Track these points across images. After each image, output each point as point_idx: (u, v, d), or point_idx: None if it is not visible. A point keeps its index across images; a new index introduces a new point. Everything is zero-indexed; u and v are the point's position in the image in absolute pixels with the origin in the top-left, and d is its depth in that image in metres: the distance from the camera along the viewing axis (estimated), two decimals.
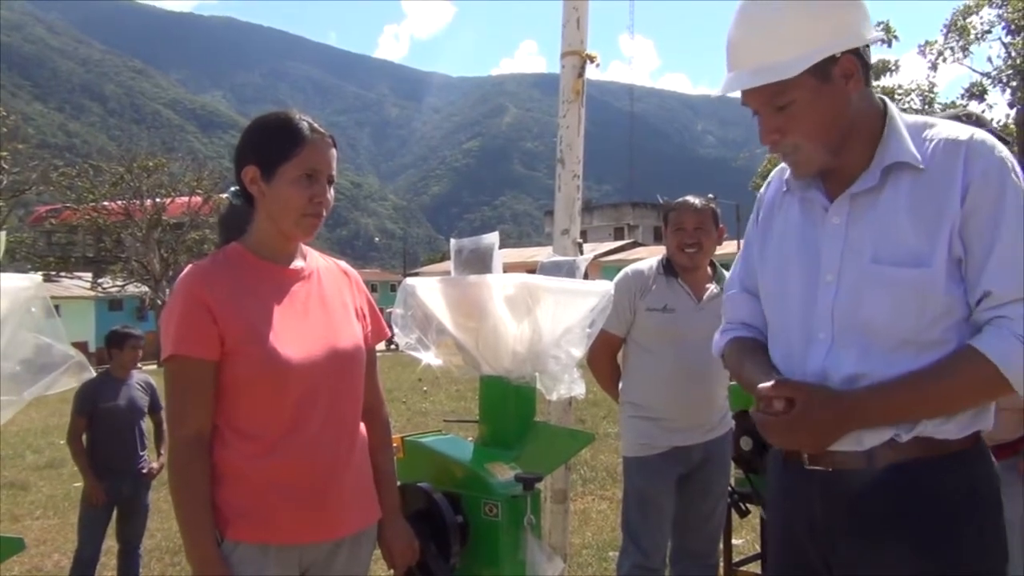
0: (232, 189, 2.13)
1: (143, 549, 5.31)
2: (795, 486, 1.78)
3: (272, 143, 2.00)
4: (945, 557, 1.62)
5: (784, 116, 1.65)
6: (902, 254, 1.62)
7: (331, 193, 2.06)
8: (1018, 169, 1.63)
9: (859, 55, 1.65)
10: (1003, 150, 1.63)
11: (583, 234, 4.29)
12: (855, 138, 1.69)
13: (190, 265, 2.06)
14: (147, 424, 5.32)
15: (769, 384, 1.69)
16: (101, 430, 5.06)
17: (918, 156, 1.64)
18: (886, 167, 1.66)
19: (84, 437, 5.08)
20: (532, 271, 2.93)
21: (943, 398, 1.61)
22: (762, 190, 1.97)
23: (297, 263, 2.11)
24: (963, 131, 1.65)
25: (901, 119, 1.70)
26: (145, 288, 39.52)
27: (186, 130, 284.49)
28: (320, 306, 2.10)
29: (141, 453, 5.19)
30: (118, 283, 40.38)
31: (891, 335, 1.63)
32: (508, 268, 2.83)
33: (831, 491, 1.70)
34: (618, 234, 61.67)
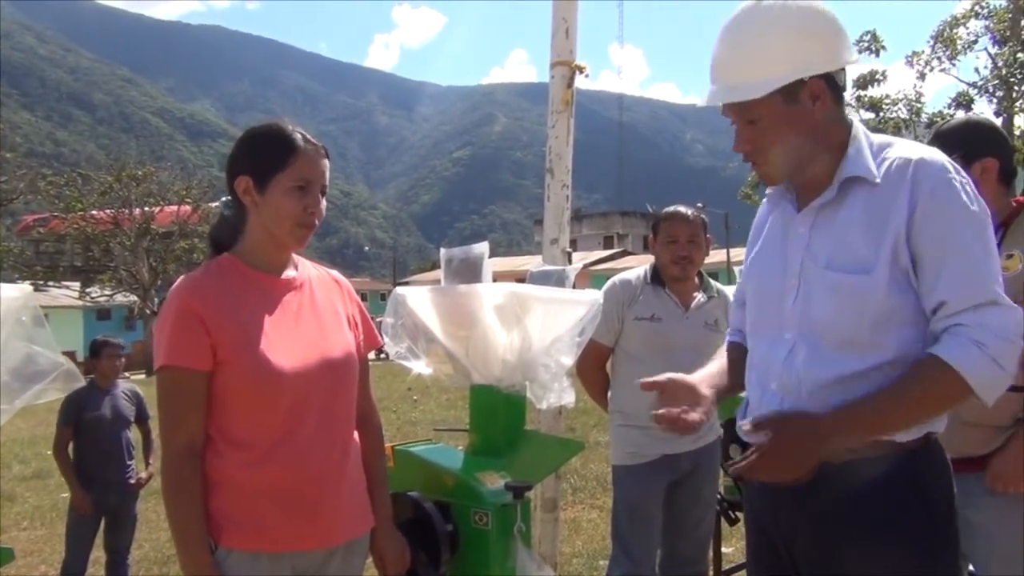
0: (223, 199, 2.13)
1: (131, 559, 5.29)
2: (762, 488, 1.87)
3: (266, 154, 2.02)
4: (897, 547, 1.70)
5: (754, 129, 1.79)
6: (850, 262, 1.73)
7: (324, 204, 2.07)
8: (970, 187, 1.72)
9: (830, 77, 1.77)
10: (953, 169, 1.72)
11: (572, 243, 4.31)
12: (822, 154, 1.81)
13: (182, 276, 2.06)
14: (135, 434, 5.30)
15: (747, 427, 1.80)
16: (86, 440, 5.04)
17: (874, 172, 1.75)
18: (844, 181, 1.77)
19: (71, 447, 5.06)
20: (521, 280, 2.94)
21: (911, 411, 1.69)
22: (761, 207, 2.10)
23: (289, 273, 2.12)
24: (916, 151, 1.76)
25: (866, 138, 1.82)
26: (134, 297, 39.37)
27: (175, 139, 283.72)
28: (312, 315, 2.11)
29: (128, 463, 5.17)
30: (106, 292, 40.22)
31: (836, 335, 1.74)
32: (497, 277, 2.84)
33: (789, 488, 1.77)
34: (607, 243, 61.81)
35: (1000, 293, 1.67)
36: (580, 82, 4.02)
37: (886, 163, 1.76)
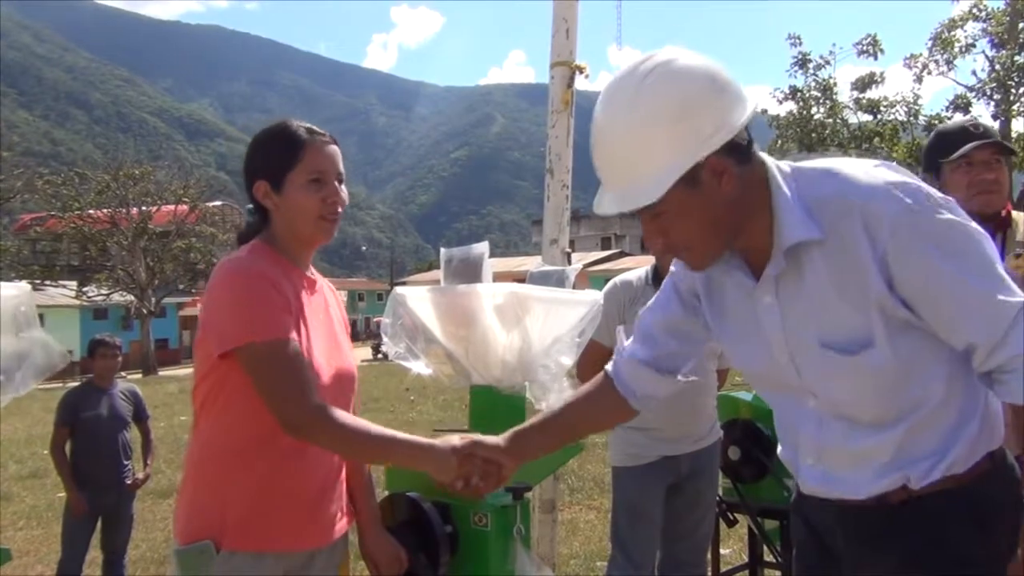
0: (247, 207, 2.12)
1: (127, 560, 5.27)
2: (813, 512, 1.83)
3: (274, 154, 2.01)
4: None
5: (662, 221, 1.61)
6: (846, 340, 1.58)
7: (344, 191, 2.05)
8: (934, 195, 1.53)
9: (728, 145, 1.53)
10: (900, 193, 1.51)
11: (570, 243, 4.30)
12: (749, 222, 1.62)
13: (226, 259, 1.99)
14: (133, 434, 5.29)
15: None
16: (83, 440, 5.03)
17: (815, 228, 1.56)
18: (788, 249, 1.59)
19: (68, 447, 5.05)
20: (519, 280, 2.93)
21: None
22: None
23: (310, 272, 2.13)
24: (850, 184, 1.54)
25: (784, 188, 1.60)
26: (131, 297, 39.34)
27: (172, 138, 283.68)
28: (328, 318, 2.12)
29: (125, 463, 5.16)
30: (103, 292, 40.18)
31: (866, 412, 1.65)
32: (495, 278, 2.83)
33: (846, 517, 1.74)
34: (605, 244, 61.79)
35: (1012, 293, 1.50)
36: (578, 83, 4.01)
37: (823, 208, 1.56)
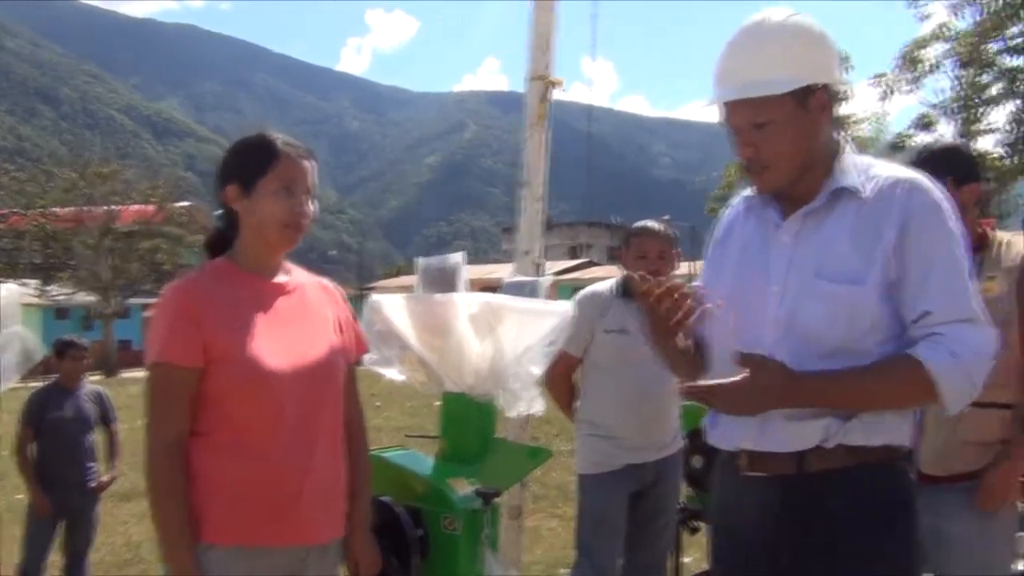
0: (216, 213, 2.18)
1: (88, 562, 5.23)
2: (736, 496, 1.93)
3: (249, 160, 2.09)
4: (870, 561, 1.78)
5: (761, 133, 1.81)
6: (841, 272, 1.79)
7: (313, 206, 2.12)
8: (954, 211, 1.82)
9: (830, 94, 1.84)
10: (938, 192, 1.82)
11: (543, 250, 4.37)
12: (815, 166, 1.86)
13: (178, 278, 2.14)
14: (98, 436, 5.25)
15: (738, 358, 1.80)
16: (48, 441, 4.99)
17: (861, 186, 1.82)
18: (833, 191, 1.83)
19: (33, 448, 5.01)
20: (489, 288, 2.99)
21: (877, 395, 1.79)
22: (721, 212, 2.13)
23: (281, 278, 2.18)
24: (904, 172, 1.85)
25: (851, 155, 1.89)
26: (93, 297, 38.76)
27: (141, 137, 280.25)
28: (302, 320, 2.16)
29: (89, 465, 5.12)
30: (66, 291, 39.56)
31: (825, 343, 1.80)
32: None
33: (767, 497, 1.84)
34: (573, 253, 61.98)
35: (979, 312, 1.77)
36: (552, 94, 4.07)
37: (873, 181, 1.83)
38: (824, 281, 1.80)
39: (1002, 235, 2.78)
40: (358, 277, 65.65)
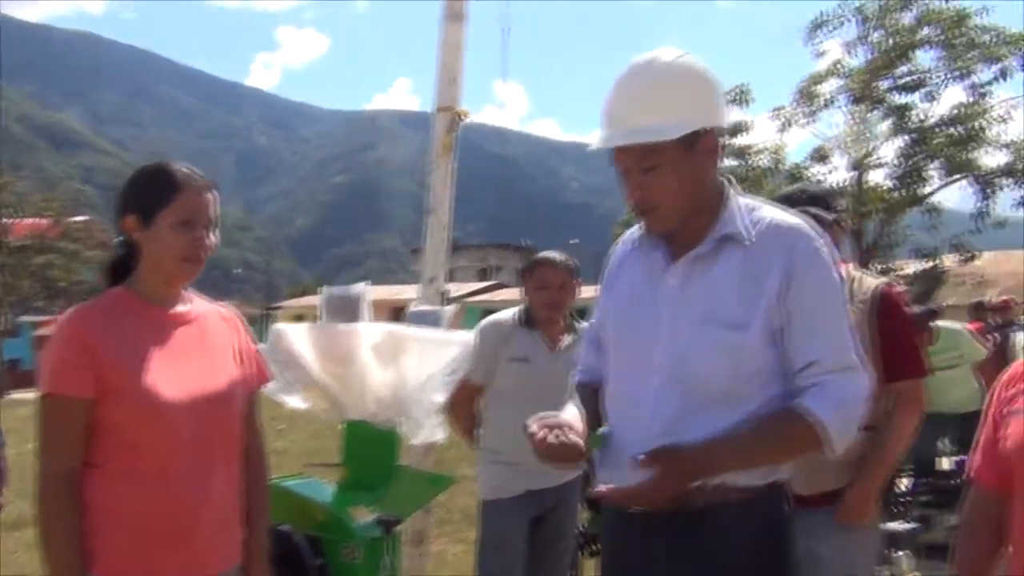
0: (116, 240, 2.17)
1: None
2: (622, 532, 1.97)
3: (150, 191, 2.08)
4: None
5: (648, 176, 1.84)
6: (727, 318, 1.82)
7: (213, 237, 2.12)
8: (835, 256, 1.90)
9: (717, 136, 1.88)
10: (820, 239, 1.88)
11: (449, 273, 4.42)
12: (701, 208, 1.89)
13: (74, 307, 2.12)
14: None
15: (640, 458, 1.81)
16: None
17: (746, 232, 1.86)
18: (720, 237, 1.87)
19: None
20: (397, 308, 3.04)
21: (768, 454, 1.85)
22: (613, 247, 2.16)
23: (181, 307, 2.17)
24: (787, 217, 1.90)
25: (736, 198, 1.92)
26: None
27: (36, 147, 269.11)
28: (200, 349, 2.15)
29: None
30: None
31: (710, 387, 1.84)
32: (374, 306, 2.92)
33: (650, 533, 1.89)
34: (483, 275, 62.09)
35: (859, 360, 1.85)
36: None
37: (758, 225, 1.86)
38: (710, 327, 1.83)
39: (854, 272, 2.97)
40: (264, 296, 64.10)
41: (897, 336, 2.88)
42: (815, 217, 2.91)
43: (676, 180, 1.84)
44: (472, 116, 4.24)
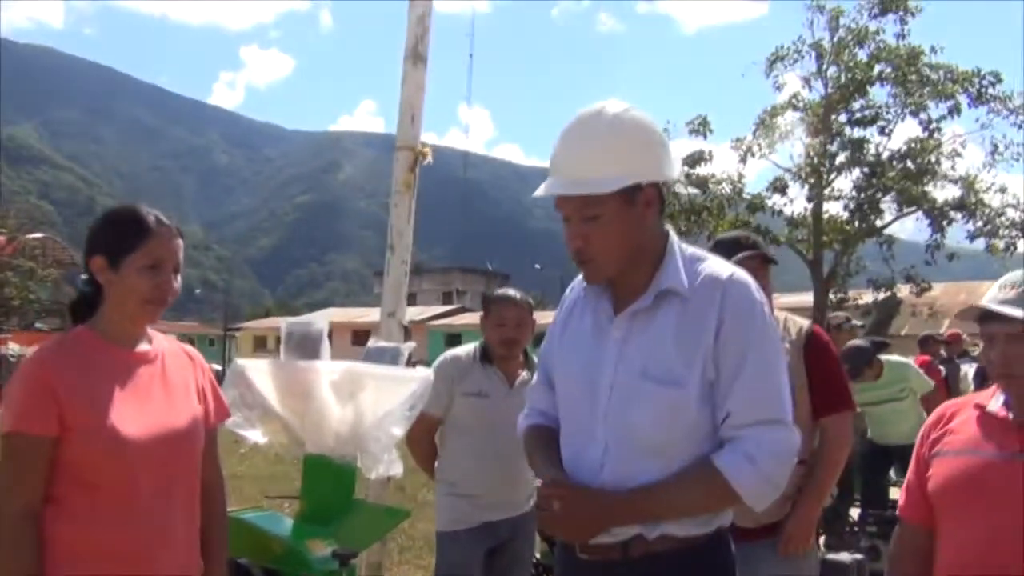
0: (81, 277, 2.22)
1: None
2: (573, 565, 2.01)
3: (119, 235, 2.14)
4: None
5: (589, 226, 1.89)
6: (664, 373, 1.86)
7: (178, 282, 2.19)
8: (763, 304, 1.93)
9: (659, 189, 1.94)
10: (756, 291, 1.93)
11: (411, 297, 4.50)
12: (642, 259, 1.94)
13: (38, 348, 2.18)
14: None
15: (542, 483, 1.95)
16: None
17: (686, 285, 1.90)
18: (660, 292, 1.91)
19: None
20: (359, 331, 3.11)
21: (684, 506, 1.88)
22: (566, 292, 2.22)
23: (143, 346, 2.22)
24: (726, 269, 1.94)
25: (680, 250, 1.97)
26: None
27: None
28: (162, 388, 2.20)
29: None
30: None
31: (649, 440, 1.88)
32: (336, 328, 3.00)
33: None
34: (446, 299, 62.14)
35: (786, 413, 1.87)
36: (427, 137, 4.27)
37: (698, 278, 1.90)
38: (649, 382, 1.86)
39: (780, 313, 3.10)
40: (224, 316, 63.32)
41: (825, 373, 3.05)
42: (761, 256, 3.07)
43: (615, 231, 1.89)
44: (437, 140, 4.34)
